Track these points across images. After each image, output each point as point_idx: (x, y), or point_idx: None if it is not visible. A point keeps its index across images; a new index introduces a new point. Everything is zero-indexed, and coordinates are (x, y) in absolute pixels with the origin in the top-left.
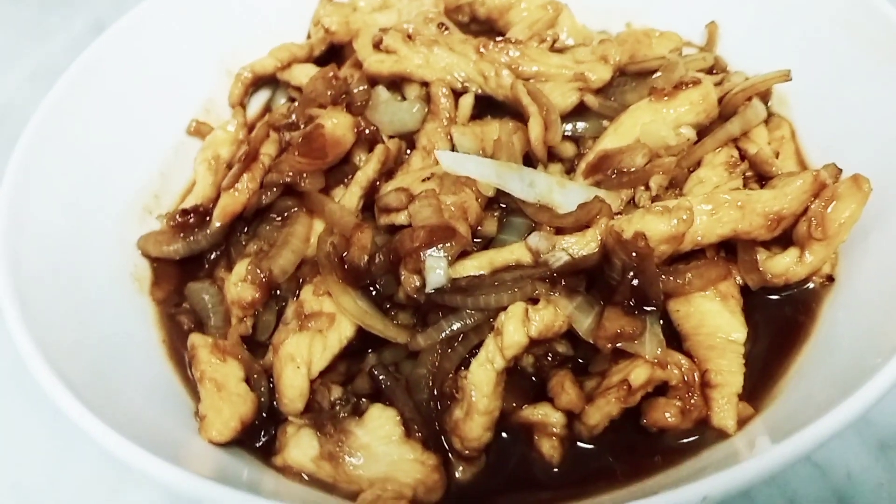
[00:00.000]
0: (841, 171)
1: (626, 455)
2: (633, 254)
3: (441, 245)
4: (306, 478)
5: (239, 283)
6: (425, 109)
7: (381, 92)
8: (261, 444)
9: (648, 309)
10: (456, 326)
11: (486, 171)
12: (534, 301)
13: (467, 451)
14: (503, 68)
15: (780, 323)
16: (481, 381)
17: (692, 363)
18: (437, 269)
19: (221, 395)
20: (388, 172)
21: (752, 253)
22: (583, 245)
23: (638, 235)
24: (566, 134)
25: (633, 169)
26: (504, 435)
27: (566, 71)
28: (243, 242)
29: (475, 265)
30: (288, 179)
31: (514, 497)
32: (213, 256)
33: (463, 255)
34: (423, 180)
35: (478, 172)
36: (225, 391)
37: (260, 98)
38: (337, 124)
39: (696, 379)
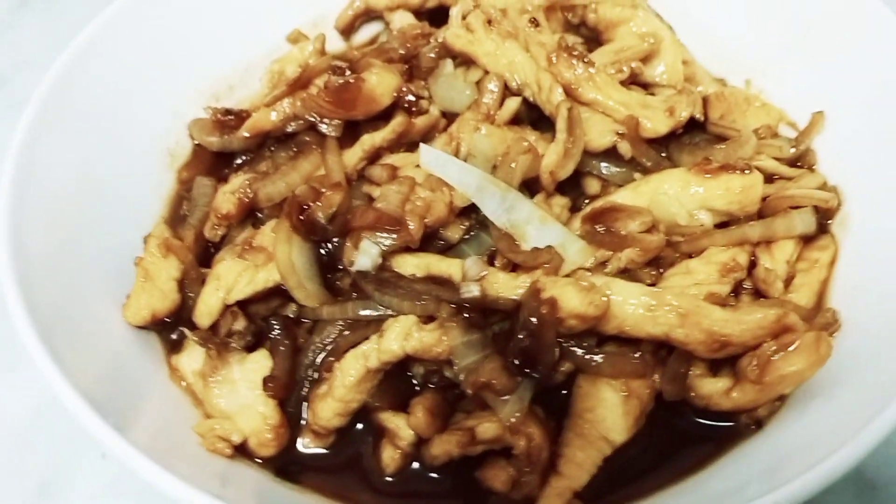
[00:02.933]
0: (836, 321)
1: (452, 496)
2: (535, 317)
3: (384, 234)
4: (184, 385)
5: (226, 193)
6: (475, 97)
7: (448, 65)
8: (174, 340)
9: (529, 373)
10: (362, 313)
11: (466, 181)
12: (430, 319)
13: (316, 428)
14: (558, 86)
15: (681, 444)
16: (348, 371)
17: (544, 441)
18: (367, 253)
19: (145, 286)
20: (411, 143)
21: (686, 365)
22: (506, 287)
23: (550, 301)
24: (596, 173)
25: (622, 232)
26: (359, 426)
27: (623, 109)
28: (265, 158)
29: (414, 263)
30: (309, 118)
31: (335, 485)
32: (240, 161)
33: (412, 250)
34: (417, 165)
35: (457, 179)
36: (150, 283)
37: (371, 29)
38: (379, 83)
39: (541, 458)
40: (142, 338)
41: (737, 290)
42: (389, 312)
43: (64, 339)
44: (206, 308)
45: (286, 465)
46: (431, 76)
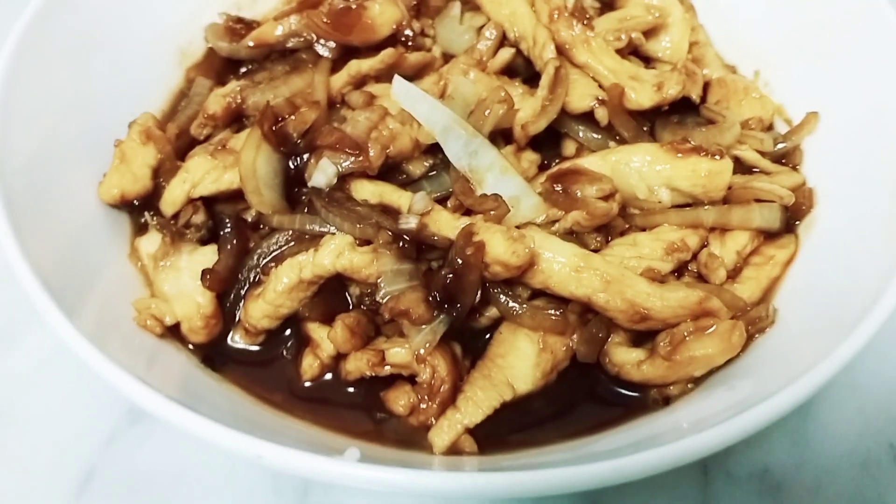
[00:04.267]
0: (767, 318)
1: (357, 409)
2: (461, 257)
3: (344, 156)
4: (139, 265)
5: (217, 96)
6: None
7: (455, 7)
8: (142, 224)
9: (447, 309)
10: (308, 227)
11: (434, 119)
12: (368, 243)
13: (247, 325)
14: (552, 43)
15: (585, 406)
16: (281, 277)
17: (448, 376)
18: (323, 171)
19: (119, 167)
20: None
21: (605, 330)
22: (446, 226)
23: (478, 244)
24: (573, 136)
25: (577, 195)
26: (287, 332)
27: (611, 76)
28: (265, 70)
29: (370, 190)
30: (305, 35)
31: (254, 381)
32: (244, 70)
33: (371, 177)
34: None
35: (424, 116)
36: (125, 165)
37: None
38: (380, 13)
39: (442, 390)
40: (113, 217)
41: (680, 270)
42: (332, 230)
43: (32, 208)
44: (171, 197)
45: (213, 355)
46: (438, 16)
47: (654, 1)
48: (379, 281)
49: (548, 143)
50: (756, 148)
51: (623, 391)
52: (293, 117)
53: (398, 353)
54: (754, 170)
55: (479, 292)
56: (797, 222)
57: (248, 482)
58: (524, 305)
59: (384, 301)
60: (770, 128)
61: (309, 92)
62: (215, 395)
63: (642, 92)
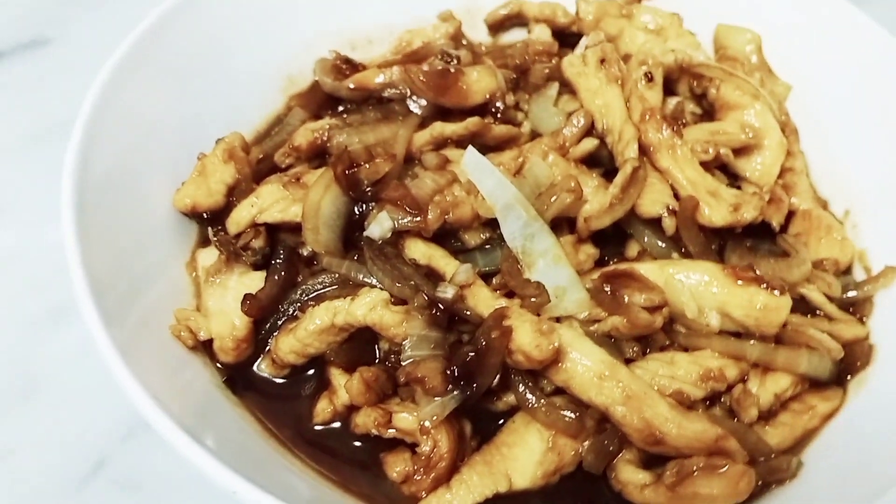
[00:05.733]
0: (788, 470)
1: (356, 465)
2: (485, 338)
3: (402, 213)
4: (193, 276)
5: (307, 129)
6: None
7: (552, 88)
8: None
9: (462, 385)
10: (352, 273)
11: (497, 195)
12: (402, 302)
13: (274, 356)
14: (636, 142)
15: None
16: (314, 317)
17: (448, 453)
18: (379, 223)
19: (197, 179)
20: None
21: (616, 444)
22: (482, 303)
23: (506, 329)
24: (638, 239)
25: (624, 300)
26: (311, 372)
27: (689, 187)
28: (360, 113)
29: (421, 251)
30: (400, 88)
31: (267, 411)
32: (341, 109)
33: (426, 239)
34: None
35: (488, 190)
36: (202, 178)
37: (522, 34)
38: (477, 80)
39: (438, 466)
40: (182, 229)
41: (714, 400)
42: (374, 282)
43: (102, 203)
44: (237, 217)
45: (237, 378)
46: (535, 94)
47: (754, 121)
48: (405, 343)
49: (614, 241)
50: (824, 291)
51: None
52: (367, 165)
53: (404, 419)
54: (819, 312)
55: (499, 376)
56: (849, 377)
57: None
58: (542, 400)
59: (404, 364)
60: (847, 272)
61: (391, 143)
62: (225, 417)
63: (717, 209)
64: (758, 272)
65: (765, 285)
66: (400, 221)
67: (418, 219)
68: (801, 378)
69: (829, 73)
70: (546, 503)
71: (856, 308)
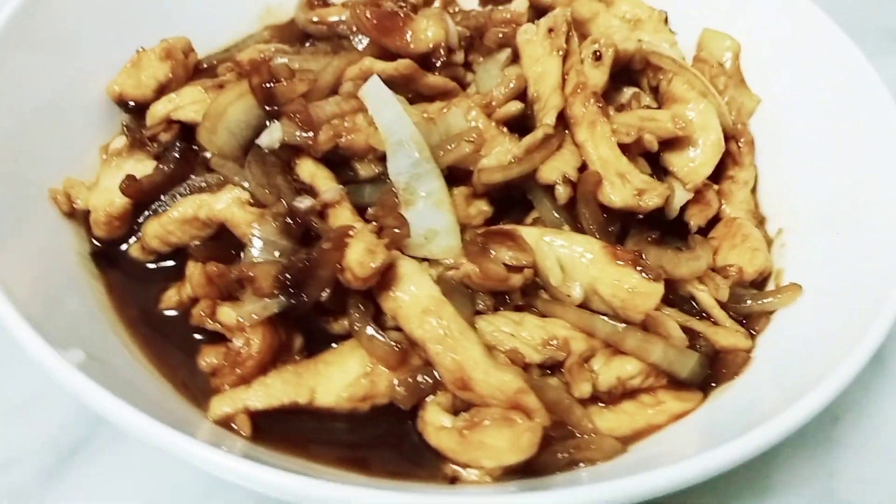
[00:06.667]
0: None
1: (181, 349)
2: (318, 251)
3: (296, 127)
4: (103, 157)
5: (254, 49)
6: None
7: (503, 53)
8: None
9: (291, 293)
10: (233, 175)
11: (393, 129)
12: (261, 206)
13: (143, 242)
14: (556, 111)
15: (383, 452)
16: (178, 206)
17: (259, 353)
18: (270, 132)
19: (130, 70)
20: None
21: (432, 386)
22: (338, 222)
23: (339, 243)
24: (535, 205)
25: (489, 254)
26: (173, 263)
27: (598, 164)
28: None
29: (308, 170)
30: (343, 25)
31: (119, 287)
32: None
33: (315, 159)
34: None
35: (384, 122)
36: (135, 70)
37: None
38: (425, 28)
39: (245, 365)
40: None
41: (554, 370)
42: (245, 184)
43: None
44: (154, 110)
45: (101, 253)
46: (486, 56)
47: (693, 117)
48: (253, 244)
49: (521, 208)
50: (713, 294)
51: (425, 456)
52: (285, 82)
53: (226, 313)
54: (704, 315)
55: (329, 292)
56: (715, 384)
57: None
58: (369, 326)
59: (243, 262)
60: (757, 286)
61: (320, 72)
62: (69, 284)
63: (619, 190)
64: (643, 258)
65: (640, 268)
66: (291, 134)
67: (308, 136)
68: (655, 369)
69: (802, 92)
70: (350, 428)
71: (750, 320)
